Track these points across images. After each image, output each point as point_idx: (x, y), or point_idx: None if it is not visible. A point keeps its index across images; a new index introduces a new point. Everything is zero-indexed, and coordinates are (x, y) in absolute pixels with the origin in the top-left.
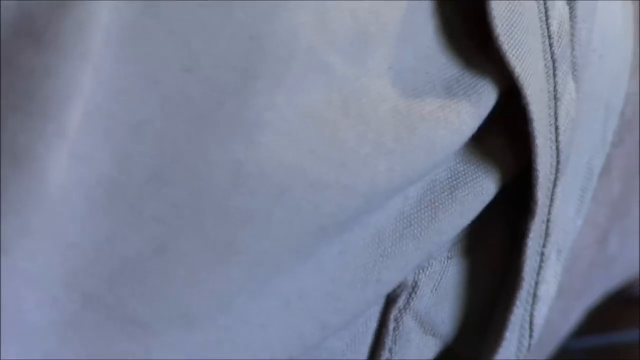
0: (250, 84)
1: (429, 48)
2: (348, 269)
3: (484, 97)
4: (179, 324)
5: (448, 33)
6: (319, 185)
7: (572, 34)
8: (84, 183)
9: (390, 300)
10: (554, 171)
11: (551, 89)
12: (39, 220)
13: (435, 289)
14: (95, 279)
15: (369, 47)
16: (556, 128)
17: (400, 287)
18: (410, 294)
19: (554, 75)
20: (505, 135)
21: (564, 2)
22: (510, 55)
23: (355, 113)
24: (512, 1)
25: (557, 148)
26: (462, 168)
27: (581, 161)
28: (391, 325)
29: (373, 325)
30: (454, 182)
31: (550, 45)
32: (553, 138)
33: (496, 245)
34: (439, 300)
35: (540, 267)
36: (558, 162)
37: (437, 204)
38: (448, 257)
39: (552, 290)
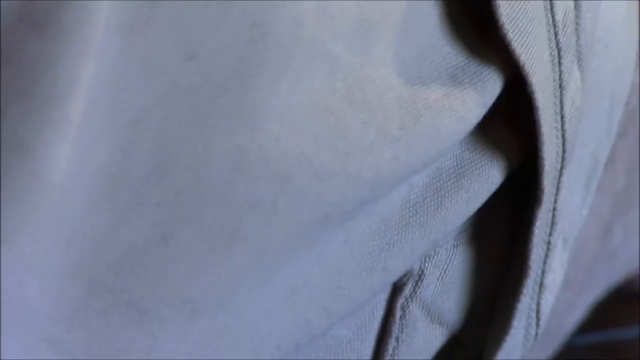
0: (253, 71)
1: (434, 37)
2: (353, 257)
3: (489, 85)
4: (184, 311)
5: (452, 21)
6: (323, 174)
7: (577, 23)
8: (87, 170)
9: (396, 289)
10: (560, 160)
11: (556, 77)
12: (43, 207)
13: (442, 278)
14: (100, 266)
15: (373, 36)
16: (562, 117)
17: (407, 275)
18: (416, 283)
19: (560, 63)
20: (511, 124)
21: None
22: (516, 44)
23: (359, 101)
24: None
25: (563, 137)
26: (468, 156)
27: (586, 151)
28: (398, 313)
29: (380, 313)
30: (460, 170)
31: (556, 33)
32: (559, 127)
33: (502, 234)
34: (446, 289)
35: (546, 255)
36: (564, 151)
37: (443, 192)
38: (454, 246)
39: (559, 280)
